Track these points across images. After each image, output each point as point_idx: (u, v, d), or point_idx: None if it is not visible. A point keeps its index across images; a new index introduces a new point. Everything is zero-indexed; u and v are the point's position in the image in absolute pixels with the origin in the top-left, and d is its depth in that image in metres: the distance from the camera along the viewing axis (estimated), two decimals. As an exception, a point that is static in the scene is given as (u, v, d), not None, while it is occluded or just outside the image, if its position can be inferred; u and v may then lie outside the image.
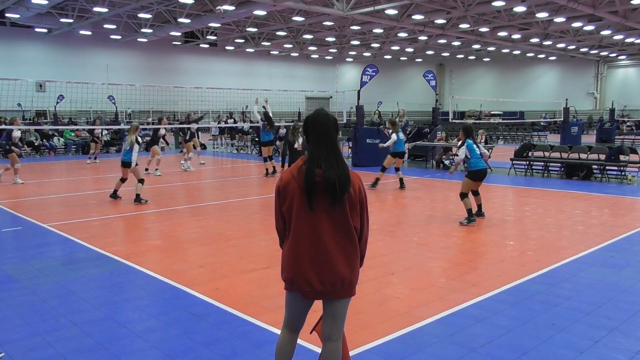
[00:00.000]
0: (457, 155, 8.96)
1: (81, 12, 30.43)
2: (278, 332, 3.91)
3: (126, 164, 10.14)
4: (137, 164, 10.21)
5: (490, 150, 16.01)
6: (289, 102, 28.28)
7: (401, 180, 12.01)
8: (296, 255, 2.83)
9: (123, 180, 10.39)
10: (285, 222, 2.91)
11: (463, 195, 8.34)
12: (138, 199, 10.10)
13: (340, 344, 2.96)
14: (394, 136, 11.78)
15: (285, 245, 2.92)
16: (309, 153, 2.84)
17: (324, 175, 2.74)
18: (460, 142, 8.49)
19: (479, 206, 8.66)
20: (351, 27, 35.14)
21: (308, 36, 39.16)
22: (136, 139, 10.04)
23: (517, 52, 46.26)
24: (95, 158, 18.19)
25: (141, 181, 10.21)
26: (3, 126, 14.30)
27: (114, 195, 10.44)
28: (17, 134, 13.12)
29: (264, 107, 14.19)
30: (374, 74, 18.64)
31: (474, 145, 8.30)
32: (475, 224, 8.14)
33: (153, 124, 16.23)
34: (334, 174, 2.75)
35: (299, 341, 3.72)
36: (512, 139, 30.38)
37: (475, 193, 8.62)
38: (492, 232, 7.76)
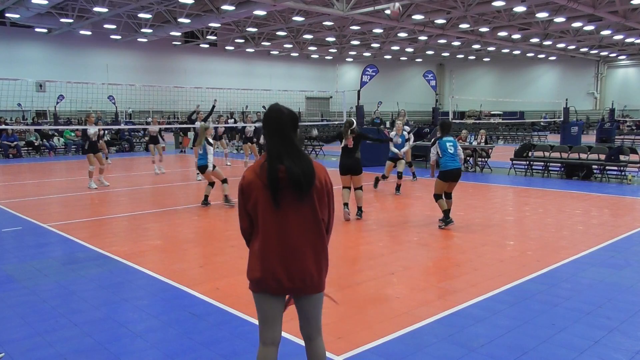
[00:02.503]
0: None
1: (81, 12, 30.47)
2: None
3: (202, 168, 9.70)
4: (214, 167, 9.68)
5: (490, 150, 16.05)
6: (289, 102, 28.23)
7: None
8: (264, 253, 2.76)
9: (211, 184, 9.83)
10: (250, 221, 2.85)
11: (437, 197, 7.92)
12: (227, 200, 9.64)
13: (321, 339, 2.95)
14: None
15: (253, 245, 2.86)
16: (267, 149, 2.78)
17: (287, 171, 2.68)
18: (432, 140, 8.04)
19: (447, 211, 8.00)
20: (351, 27, 35.19)
21: (308, 36, 39.20)
22: (207, 140, 9.55)
23: (517, 52, 46.31)
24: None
25: (225, 181, 9.74)
26: (10, 127, 14.09)
27: (205, 202, 9.78)
28: (92, 130, 12.18)
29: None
30: (374, 74, 18.64)
31: (447, 144, 7.80)
32: (454, 224, 7.89)
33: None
34: (298, 169, 2.69)
35: (297, 340, 3.73)
36: (512, 139, 30.38)
37: (448, 196, 8.07)
38: (492, 232, 7.75)
